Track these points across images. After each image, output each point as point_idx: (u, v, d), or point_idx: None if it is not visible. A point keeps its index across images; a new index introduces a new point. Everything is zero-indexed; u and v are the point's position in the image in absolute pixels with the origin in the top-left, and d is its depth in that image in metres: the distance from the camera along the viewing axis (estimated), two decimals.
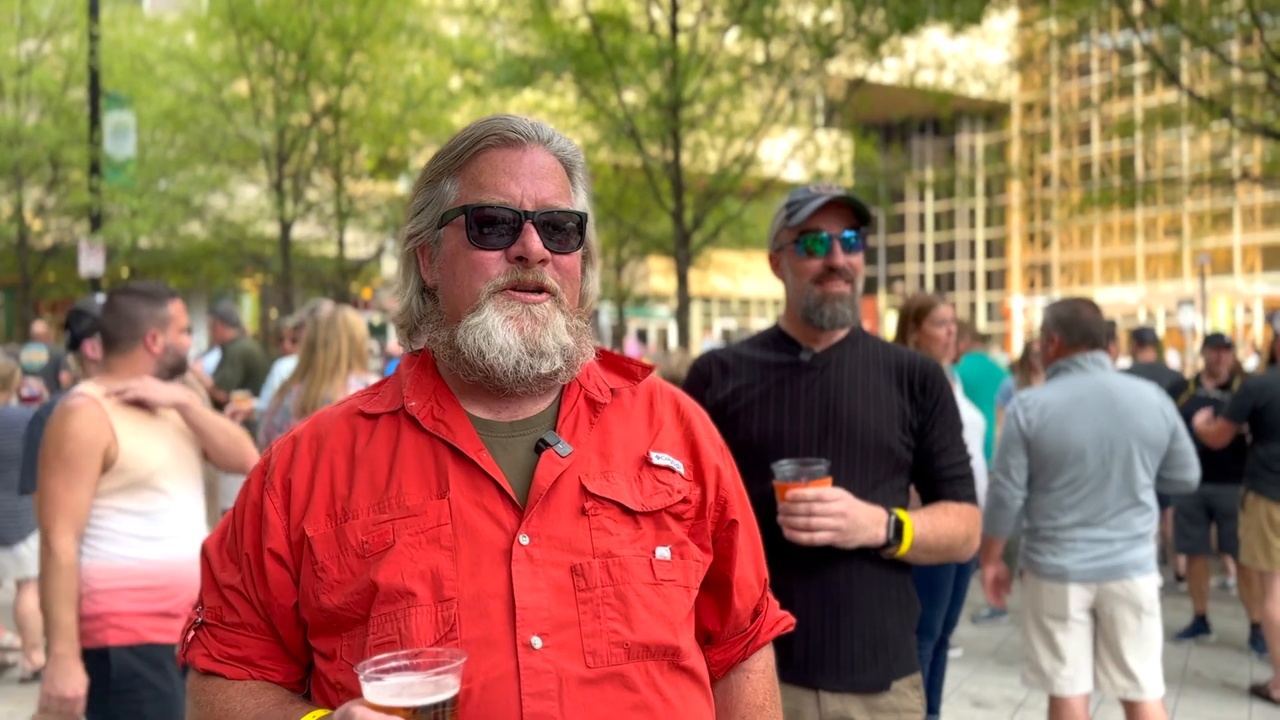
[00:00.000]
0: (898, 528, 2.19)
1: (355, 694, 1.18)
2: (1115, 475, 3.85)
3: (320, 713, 1.25)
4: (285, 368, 6.10)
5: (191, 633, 1.38)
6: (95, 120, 15.49)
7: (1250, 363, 13.87)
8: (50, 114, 19.82)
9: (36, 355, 12.50)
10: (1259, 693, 5.64)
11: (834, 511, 2.10)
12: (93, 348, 3.73)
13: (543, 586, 1.25)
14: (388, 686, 1.11)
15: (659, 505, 1.36)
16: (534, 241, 1.33)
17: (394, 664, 1.14)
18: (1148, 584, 3.86)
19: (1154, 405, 3.90)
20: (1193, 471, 3.97)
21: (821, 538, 2.11)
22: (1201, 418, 6.16)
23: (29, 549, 5.82)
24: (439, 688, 1.11)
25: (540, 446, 1.34)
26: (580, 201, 1.41)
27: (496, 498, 1.28)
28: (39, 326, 13.71)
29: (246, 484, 1.39)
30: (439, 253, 1.37)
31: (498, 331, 1.31)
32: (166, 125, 18.85)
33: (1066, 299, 4.14)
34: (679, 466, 1.41)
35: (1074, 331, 3.97)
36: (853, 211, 2.32)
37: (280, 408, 4.84)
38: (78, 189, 18.67)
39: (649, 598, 1.30)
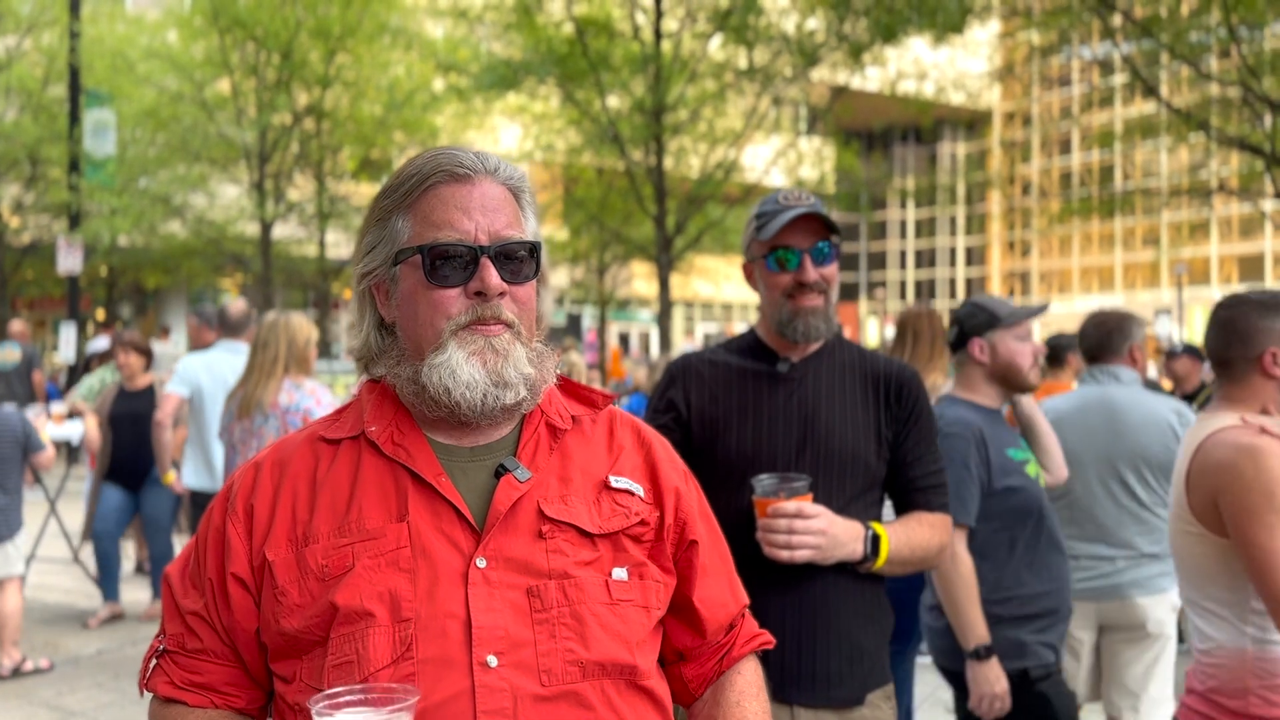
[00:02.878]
0: (874, 543, 2.17)
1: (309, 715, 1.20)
2: (1113, 491, 3.75)
3: None
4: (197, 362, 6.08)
5: (154, 661, 1.38)
6: (75, 117, 15.40)
7: None
8: (29, 111, 19.66)
9: (10, 354, 12.40)
10: None
11: (814, 529, 2.08)
12: (981, 349, 3.26)
13: (499, 607, 1.27)
14: (341, 719, 1.13)
15: (616, 527, 1.38)
16: (492, 276, 1.35)
17: (347, 698, 1.14)
18: (1153, 605, 3.69)
19: (1162, 423, 3.73)
20: None
21: (802, 555, 2.08)
22: None
23: (14, 548, 5.77)
24: None
25: (500, 472, 1.36)
26: (531, 228, 1.43)
27: (455, 521, 1.31)
28: (16, 325, 13.61)
29: (209, 511, 1.39)
30: (396, 290, 1.39)
31: (462, 368, 1.33)
32: (147, 123, 18.74)
33: (1094, 312, 4.06)
34: (639, 490, 1.43)
35: (1085, 346, 3.97)
36: (823, 221, 2.29)
37: (226, 411, 4.84)
38: (56, 186, 18.53)
39: (605, 618, 1.32)
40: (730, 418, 2.31)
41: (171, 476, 6.38)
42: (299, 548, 1.30)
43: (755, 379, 2.34)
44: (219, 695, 1.35)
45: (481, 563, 1.29)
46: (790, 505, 2.08)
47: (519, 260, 1.39)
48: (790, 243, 2.28)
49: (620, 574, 1.36)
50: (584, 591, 1.31)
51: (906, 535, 2.24)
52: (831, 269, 2.33)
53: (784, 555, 2.08)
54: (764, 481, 2.13)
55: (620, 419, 1.52)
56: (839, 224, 2.37)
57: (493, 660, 1.24)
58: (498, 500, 1.33)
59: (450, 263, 1.34)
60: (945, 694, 5.72)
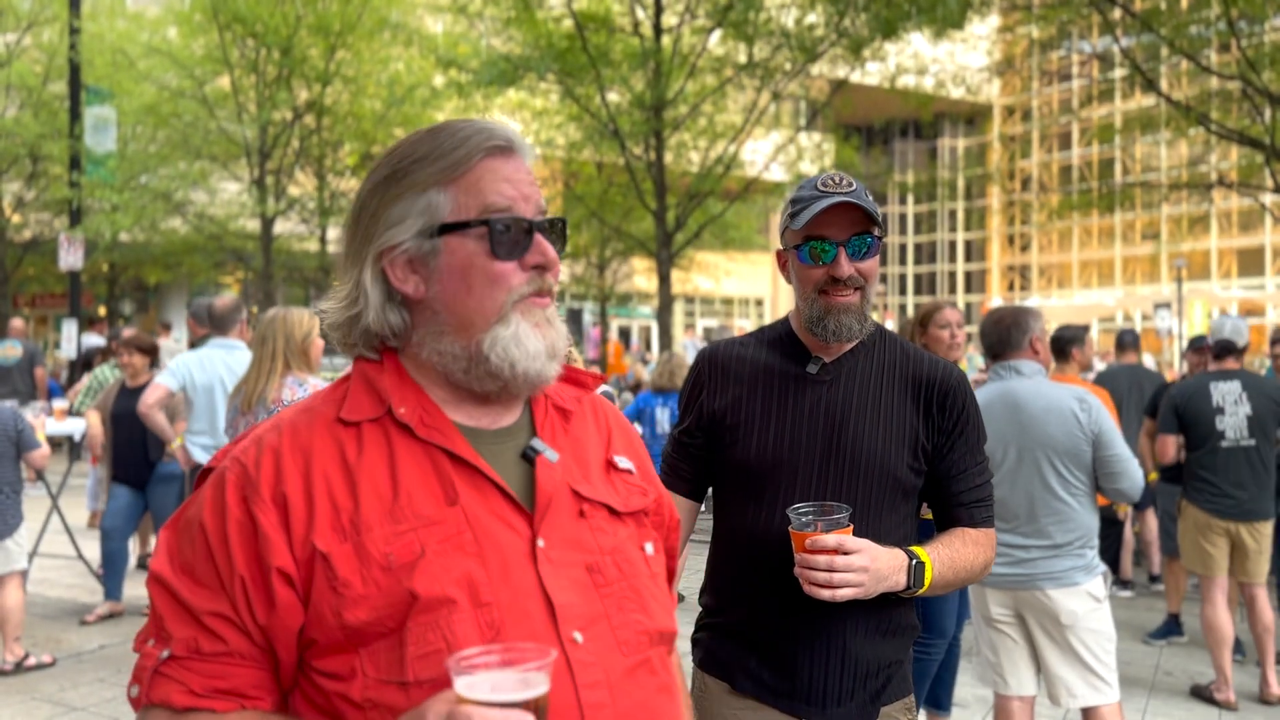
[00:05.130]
0: (918, 571, 2.04)
1: (391, 707, 1.19)
2: (1021, 481, 3.82)
3: None
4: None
5: (153, 671, 1.24)
6: (75, 114, 15.40)
7: None
8: (30, 107, 19.70)
9: (11, 351, 12.43)
10: (1200, 694, 5.68)
11: (856, 566, 1.93)
12: None
13: (568, 585, 1.28)
14: (481, 680, 1.12)
15: (637, 506, 1.43)
16: (550, 250, 1.36)
17: (484, 659, 1.14)
18: (1065, 597, 3.76)
19: (1065, 411, 3.78)
20: (1125, 481, 3.78)
21: (844, 594, 1.94)
22: (1142, 443, 6.26)
23: (16, 544, 5.81)
24: (528, 684, 1.12)
25: (529, 454, 1.37)
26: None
27: (503, 503, 1.30)
28: (16, 322, 13.64)
29: (217, 501, 1.27)
30: (436, 263, 1.35)
31: (530, 339, 1.34)
32: (148, 120, 18.77)
33: (991, 310, 4.15)
34: (634, 469, 1.48)
35: (986, 345, 4.05)
36: (863, 211, 2.10)
37: (231, 406, 4.86)
38: (57, 183, 18.56)
39: (652, 589, 1.38)
40: (753, 421, 2.17)
41: (176, 444, 6.39)
42: (353, 537, 1.25)
43: (783, 379, 2.20)
44: (248, 699, 1.26)
45: (541, 543, 1.30)
46: (830, 539, 1.93)
47: (555, 234, 1.40)
48: (825, 233, 2.10)
49: (649, 549, 1.42)
50: (634, 566, 1.36)
51: (950, 557, 2.12)
52: (869, 264, 2.14)
53: (825, 594, 1.94)
54: (801, 512, 1.98)
55: (598, 399, 1.55)
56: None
57: (579, 636, 1.26)
58: (543, 482, 1.34)
59: (509, 235, 1.34)
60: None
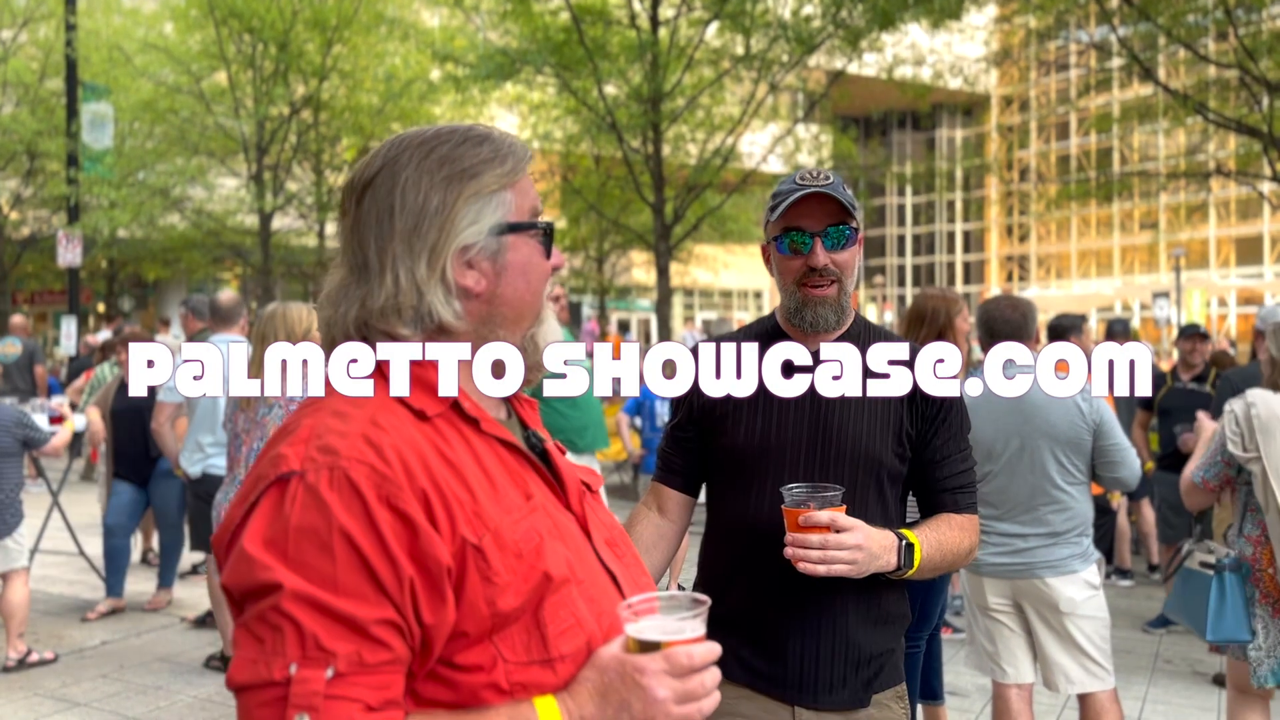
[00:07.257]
0: (908, 552, 2.06)
1: (539, 685, 1.25)
2: (1022, 470, 3.83)
3: (549, 699, 1.26)
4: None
5: (324, 695, 1.15)
6: (73, 111, 15.39)
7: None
8: (27, 104, 19.69)
9: (10, 348, 12.44)
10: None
11: (849, 544, 1.95)
12: None
13: (609, 558, 1.43)
14: (649, 625, 1.24)
15: (600, 483, 1.58)
16: (561, 254, 1.49)
17: (646, 605, 1.26)
18: (1064, 584, 3.80)
19: (1067, 401, 3.80)
20: (1124, 469, 3.82)
21: (838, 570, 1.95)
22: (1186, 439, 6.20)
23: (15, 542, 5.82)
24: (684, 630, 1.24)
25: (533, 442, 1.48)
26: None
27: (547, 490, 1.41)
28: (16, 319, 13.64)
29: (354, 505, 1.21)
30: (502, 260, 1.41)
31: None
32: (145, 116, 18.76)
33: (994, 297, 4.14)
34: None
35: (989, 329, 4.03)
36: (839, 203, 2.13)
37: (230, 401, 4.87)
38: (55, 180, 18.56)
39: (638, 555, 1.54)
40: (740, 411, 2.22)
41: (181, 473, 6.43)
42: (486, 528, 1.28)
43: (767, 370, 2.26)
44: (402, 708, 1.21)
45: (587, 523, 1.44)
46: (823, 516, 1.95)
47: None
48: (802, 225, 2.14)
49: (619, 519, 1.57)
50: (627, 536, 1.52)
51: (938, 540, 2.15)
52: (846, 255, 2.17)
53: (821, 570, 1.95)
54: (794, 491, 2.00)
55: None
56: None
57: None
58: (564, 467, 1.47)
59: (550, 239, 1.48)
60: (946, 675, 5.76)
